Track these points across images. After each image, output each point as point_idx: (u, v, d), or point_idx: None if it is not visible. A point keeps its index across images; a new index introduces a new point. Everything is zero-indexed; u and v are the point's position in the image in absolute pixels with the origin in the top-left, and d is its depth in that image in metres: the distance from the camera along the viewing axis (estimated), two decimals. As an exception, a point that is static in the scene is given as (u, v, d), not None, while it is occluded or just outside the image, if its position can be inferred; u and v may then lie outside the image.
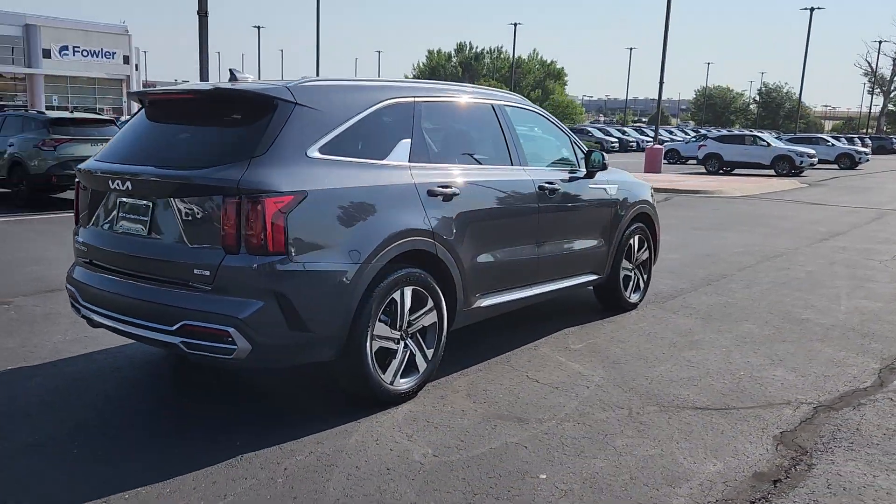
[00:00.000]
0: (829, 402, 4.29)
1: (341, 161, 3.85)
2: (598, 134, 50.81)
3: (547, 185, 5.17)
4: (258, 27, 58.86)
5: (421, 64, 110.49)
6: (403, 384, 4.14)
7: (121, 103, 61.31)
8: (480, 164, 4.81)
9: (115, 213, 3.98)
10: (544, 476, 3.32)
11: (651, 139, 49.12)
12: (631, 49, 64.65)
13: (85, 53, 60.57)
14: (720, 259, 9.06)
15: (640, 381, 4.58)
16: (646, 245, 6.53)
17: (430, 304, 4.26)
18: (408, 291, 4.09)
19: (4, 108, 43.90)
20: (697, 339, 5.54)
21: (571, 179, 5.53)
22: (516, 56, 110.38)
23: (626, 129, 58.64)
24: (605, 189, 5.89)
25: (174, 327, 3.55)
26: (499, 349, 5.17)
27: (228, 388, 4.41)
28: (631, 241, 6.28)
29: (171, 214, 3.68)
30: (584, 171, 5.69)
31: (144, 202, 3.80)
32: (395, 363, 4.08)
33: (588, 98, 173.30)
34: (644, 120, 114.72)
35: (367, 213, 3.86)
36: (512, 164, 5.00)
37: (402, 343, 4.13)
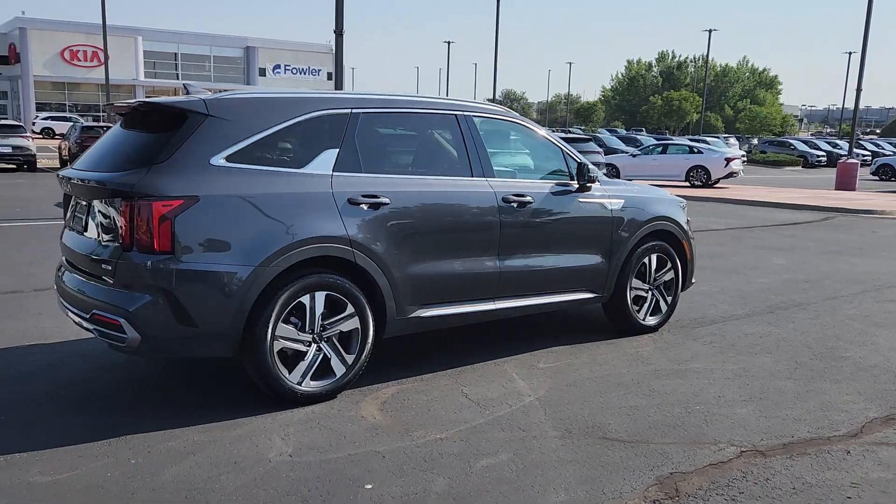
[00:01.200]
0: (766, 448, 3.81)
1: (249, 169, 4.07)
2: (803, 147, 46.85)
3: (515, 197, 5.04)
4: (448, 42, 60.69)
5: (619, 74, 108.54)
6: (314, 386, 4.26)
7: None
8: (428, 175, 4.80)
9: (72, 214, 4.50)
10: (369, 486, 3.30)
11: (870, 153, 44.35)
12: (850, 53, 58.64)
13: (294, 71, 66.34)
14: (816, 286, 8.14)
15: (574, 406, 4.34)
16: (669, 265, 6.08)
17: (351, 310, 4.34)
18: (320, 296, 4.22)
19: None
20: (688, 369, 5.10)
21: (555, 193, 5.33)
22: (724, 64, 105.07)
23: (838, 141, 53.39)
24: (602, 204, 5.59)
25: (88, 316, 3.97)
26: (463, 360, 5.11)
27: (183, 374, 4.77)
28: (645, 260, 5.90)
29: (94, 214, 4.11)
30: (576, 184, 5.45)
31: (84, 203, 4.27)
32: (303, 365, 4.22)
33: (811, 108, 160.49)
34: (878, 132, 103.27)
35: (269, 219, 4.04)
36: (472, 176, 4.93)
37: (313, 346, 4.25)
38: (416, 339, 5.55)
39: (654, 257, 5.96)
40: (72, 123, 34.64)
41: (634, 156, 26.89)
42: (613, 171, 25.04)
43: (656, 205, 6.00)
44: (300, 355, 4.22)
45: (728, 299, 7.30)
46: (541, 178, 5.47)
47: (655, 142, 30.37)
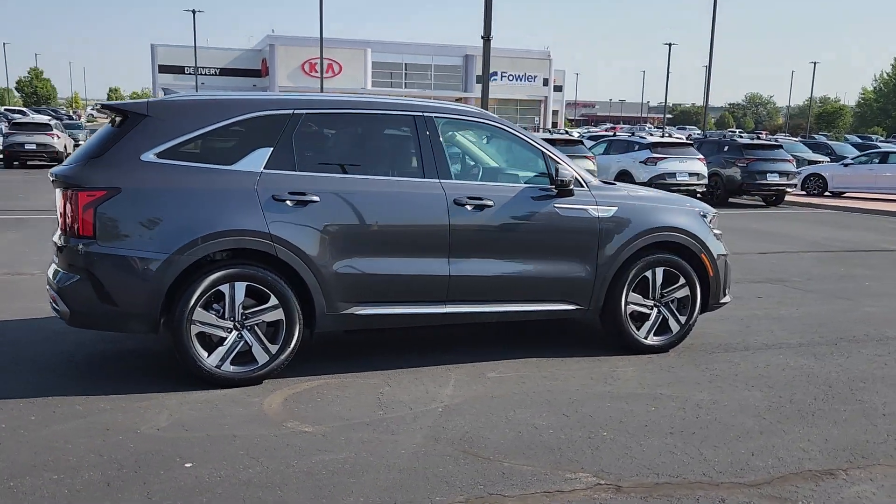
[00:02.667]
0: (629, 485, 3.42)
1: (177, 165, 4.44)
2: None
3: (470, 200, 4.92)
4: (669, 44, 58.30)
5: (885, 74, 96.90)
6: (233, 370, 4.52)
7: (535, 123, 66.89)
8: (370, 175, 4.85)
9: None
10: (189, 465, 3.49)
11: None
12: None
13: (510, 78, 67.64)
14: (933, 319, 6.89)
15: (470, 418, 4.18)
16: (682, 281, 5.53)
17: (274, 302, 4.55)
18: (240, 286, 4.48)
19: None
20: (650, 394, 4.65)
21: (524, 197, 5.11)
22: None
23: None
24: (585, 210, 5.24)
25: (48, 294, 4.59)
26: (414, 362, 5.09)
27: (149, 350, 5.26)
28: (647, 274, 5.43)
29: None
30: (554, 189, 5.18)
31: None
32: (222, 350, 4.50)
33: None
34: None
35: (188, 211, 4.38)
36: (423, 177, 4.90)
37: (234, 333, 4.52)
38: (384, 336, 5.63)
39: (659, 271, 5.46)
40: None
41: (847, 165, 24.00)
42: (819, 182, 22.64)
43: (662, 214, 5.49)
44: (221, 340, 4.50)
45: (796, 326, 6.43)
46: (510, 182, 5.28)
47: (875, 150, 26.72)
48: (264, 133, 4.66)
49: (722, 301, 5.79)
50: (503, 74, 67.12)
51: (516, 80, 67.88)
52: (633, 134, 23.17)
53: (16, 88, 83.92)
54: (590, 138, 25.93)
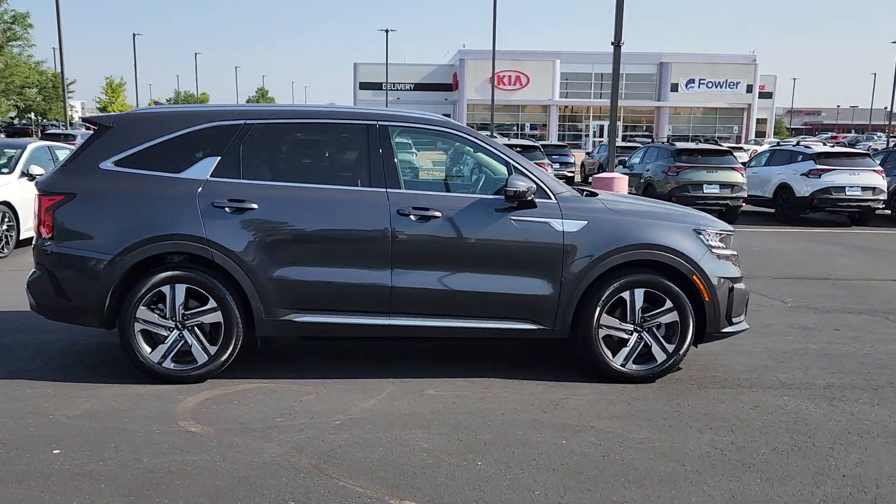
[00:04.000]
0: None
1: (130, 172, 4.78)
2: None
3: (416, 210, 4.79)
4: None
5: None
6: (174, 367, 4.77)
7: (734, 132, 62.82)
8: (313, 183, 4.87)
9: None
10: (57, 451, 3.75)
11: None
12: None
13: (709, 85, 64.02)
14: None
15: (357, 434, 4.07)
16: (669, 305, 4.97)
17: (213, 304, 4.75)
18: (180, 288, 4.72)
19: (633, 137, 50.26)
20: (587, 428, 4.24)
21: (477, 208, 4.87)
22: None
23: None
24: (548, 223, 4.89)
25: None
26: (365, 373, 5.04)
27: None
28: (625, 295, 4.95)
29: None
30: (514, 201, 4.88)
31: None
32: (163, 347, 4.76)
33: None
34: None
35: (134, 216, 4.70)
36: (369, 186, 4.86)
37: (175, 332, 4.77)
38: (353, 345, 5.64)
39: (639, 293, 4.96)
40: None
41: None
42: None
43: (642, 229, 4.97)
44: (164, 338, 4.77)
45: (846, 366, 5.52)
46: (471, 192, 5.05)
47: None
48: (214, 143, 4.87)
49: (727, 330, 5.12)
50: (701, 81, 63.72)
51: (716, 86, 64.04)
52: (797, 143, 20.74)
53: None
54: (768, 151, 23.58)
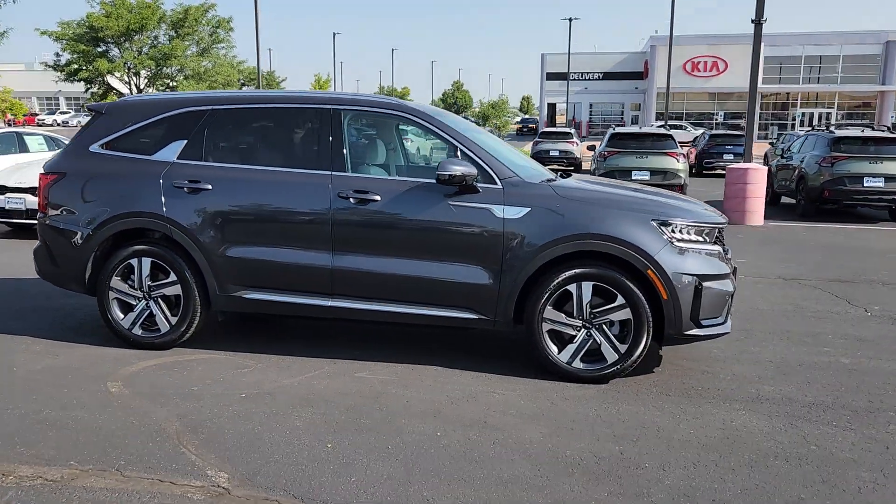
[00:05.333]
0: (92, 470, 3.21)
1: (112, 155, 5.26)
2: None
3: (355, 194, 4.81)
4: None
5: None
6: (142, 334, 5.17)
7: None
8: (263, 165, 5.04)
9: None
10: (-13, 398, 4.27)
11: None
12: None
13: (946, 65, 56.01)
14: None
15: (240, 408, 4.20)
16: (621, 301, 4.57)
17: (173, 278, 5.11)
18: (146, 261, 5.12)
19: (847, 126, 45.36)
20: (499, 426, 4.07)
21: (414, 192, 4.78)
22: None
23: None
24: (489, 209, 4.67)
25: None
26: (327, 350, 5.16)
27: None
28: (571, 288, 4.62)
29: None
30: (455, 186, 4.73)
31: None
32: (132, 315, 5.20)
33: None
34: None
35: (109, 194, 5.16)
36: (316, 169, 4.94)
37: (142, 302, 5.19)
38: (313, 324, 5.75)
39: (587, 286, 4.60)
40: (701, 132, 35.92)
41: None
42: None
43: (591, 218, 4.60)
44: (131, 307, 5.21)
45: (851, 384, 4.74)
46: (409, 177, 4.95)
47: None
48: (183, 127, 5.20)
49: (693, 333, 4.60)
50: (934, 62, 55.89)
51: (954, 67, 55.88)
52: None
53: (440, 99, 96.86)
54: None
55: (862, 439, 3.88)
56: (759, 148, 27.75)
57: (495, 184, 4.74)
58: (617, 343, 4.61)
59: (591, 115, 64.62)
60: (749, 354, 5.31)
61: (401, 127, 5.98)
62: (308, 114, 5.09)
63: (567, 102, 60.45)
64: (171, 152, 5.17)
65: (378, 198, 4.79)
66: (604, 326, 4.62)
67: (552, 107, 66.35)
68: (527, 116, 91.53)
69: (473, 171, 4.66)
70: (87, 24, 35.06)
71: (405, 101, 5.25)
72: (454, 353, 5.21)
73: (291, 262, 4.93)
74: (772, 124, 57.38)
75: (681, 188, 14.40)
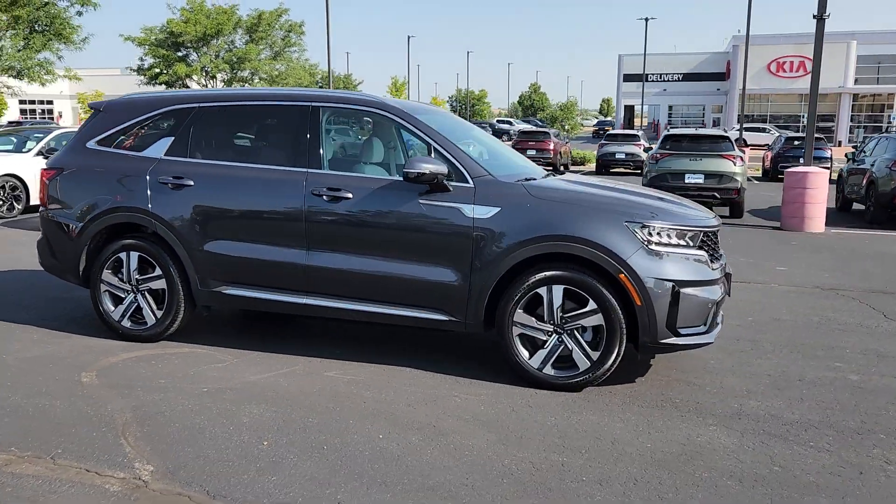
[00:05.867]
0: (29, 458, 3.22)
1: (106, 151, 5.40)
2: None
3: (328, 191, 4.78)
4: None
5: None
6: (130, 326, 5.28)
7: None
8: (242, 162, 5.07)
9: None
10: (-35, 383, 4.44)
11: None
12: None
13: None
14: None
15: (197, 401, 4.22)
16: (593, 306, 4.37)
17: (158, 272, 5.20)
18: (133, 255, 5.23)
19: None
20: (425, 426, 3.96)
21: (385, 190, 4.71)
22: None
23: None
24: (458, 209, 4.55)
25: None
26: (304, 349, 5.15)
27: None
28: (541, 291, 4.44)
29: None
30: (424, 184, 4.62)
31: None
32: (121, 308, 5.32)
33: None
34: None
35: (102, 189, 5.30)
36: (292, 166, 4.93)
37: (130, 295, 5.30)
38: (305, 321, 5.75)
39: (557, 290, 4.42)
40: (777, 135, 34.56)
41: None
42: None
43: (562, 218, 4.42)
44: (121, 300, 5.33)
45: (854, 401, 4.40)
46: (381, 174, 4.87)
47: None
48: (172, 125, 5.30)
49: (670, 342, 4.36)
50: None
51: None
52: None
53: (517, 102, 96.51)
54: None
55: (836, 462, 3.58)
56: (842, 152, 26.35)
57: (467, 182, 4.61)
58: (589, 350, 4.41)
59: (669, 117, 62.92)
60: (748, 366, 5.00)
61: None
62: (287, 111, 5.09)
63: (642, 104, 59.12)
64: (160, 149, 5.26)
65: (350, 195, 4.74)
66: (575, 332, 4.43)
67: (629, 109, 65.08)
68: (604, 118, 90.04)
69: (443, 168, 4.55)
70: (167, 29, 36.57)
71: (382, 97, 5.18)
72: (434, 355, 5.11)
73: (268, 259, 4.94)
74: (862, 127, 54.46)
75: (737, 192, 13.80)
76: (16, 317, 5.90)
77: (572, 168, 29.79)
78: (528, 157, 25.61)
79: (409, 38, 66.56)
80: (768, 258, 9.45)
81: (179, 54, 37.96)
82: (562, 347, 4.46)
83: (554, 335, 4.46)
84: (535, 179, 4.84)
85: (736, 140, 18.65)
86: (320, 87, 47.59)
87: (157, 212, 5.10)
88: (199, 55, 37.70)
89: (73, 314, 6.03)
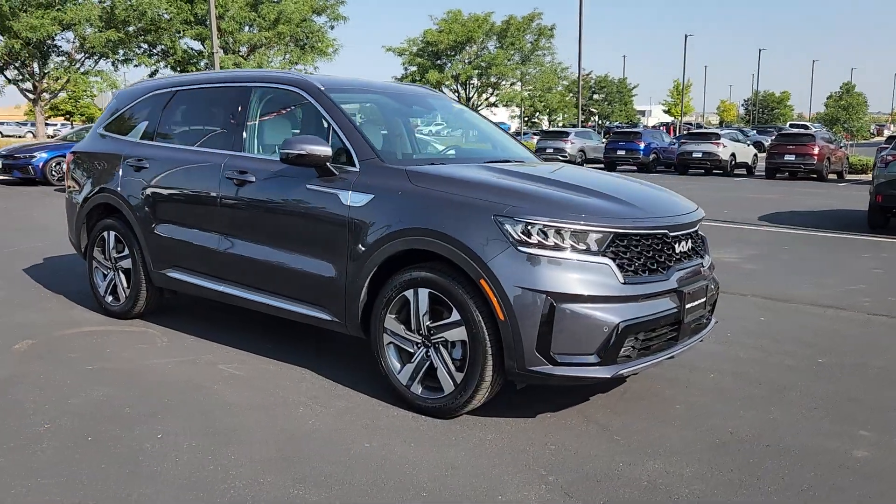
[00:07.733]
0: None
1: (107, 136, 5.74)
2: None
3: (237, 175, 4.56)
4: None
5: None
6: (110, 301, 5.55)
7: None
8: (186, 145, 5.04)
9: None
10: (-69, 338, 4.98)
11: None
12: None
13: None
14: None
15: (63, 382, 4.26)
16: (457, 317, 3.59)
17: (126, 252, 5.41)
18: (110, 235, 5.51)
19: None
20: (191, 452, 3.61)
21: (281, 174, 4.34)
22: None
23: None
24: (336, 195, 4.04)
25: None
26: (235, 339, 5.01)
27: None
28: (408, 294, 3.77)
29: None
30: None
31: None
32: (103, 283, 5.61)
33: None
34: None
35: (93, 170, 5.65)
36: (221, 149, 4.78)
37: (111, 273, 5.57)
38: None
39: (423, 294, 3.73)
40: None
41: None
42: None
43: (428, 208, 3.72)
44: (105, 276, 5.62)
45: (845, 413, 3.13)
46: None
47: None
48: (150, 109, 5.46)
49: (540, 370, 3.43)
50: None
51: None
52: None
53: (825, 104, 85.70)
54: None
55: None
56: None
57: (353, 166, 4.09)
58: (453, 370, 3.65)
59: None
60: (742, 394, 3.80)
61: (415, 108, 5.55)
62: (225, 93, 4.98)
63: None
64: (138, 133, 5.46)
65: (253, 179, 4.48)
66: (440, 347, 3.70)
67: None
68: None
69: (325, 150, 4.05)
70: (424, 39, 38.79)
71: (305, 75, 4.77)
72: (347, 357, 4.62)
73: (196, 243, 4.87)
74: None
75: None
76: (55, 285, 6.52)
77: (848, 177, 25.59)
78: (785, 163, 23.26)
79: (685, 36, 62.87)
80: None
81: (439, 62, 40.06)
82: (428, 363, 3.75)
83: (422, 347, 3.77)
84: (424, 163, 4.16)
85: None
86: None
87: (123, 193, 5.29)
88: (452, 63, 39.40)
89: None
